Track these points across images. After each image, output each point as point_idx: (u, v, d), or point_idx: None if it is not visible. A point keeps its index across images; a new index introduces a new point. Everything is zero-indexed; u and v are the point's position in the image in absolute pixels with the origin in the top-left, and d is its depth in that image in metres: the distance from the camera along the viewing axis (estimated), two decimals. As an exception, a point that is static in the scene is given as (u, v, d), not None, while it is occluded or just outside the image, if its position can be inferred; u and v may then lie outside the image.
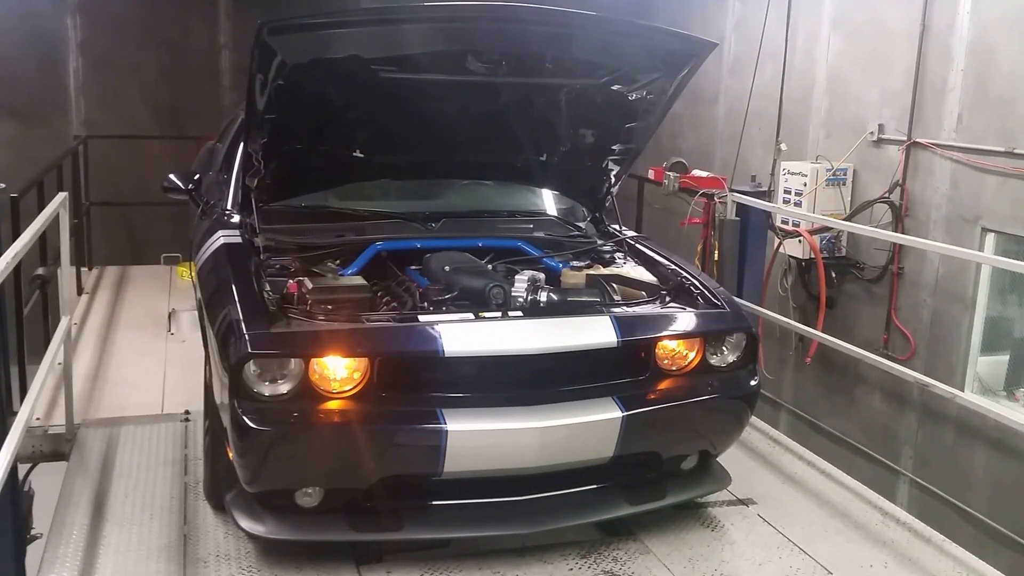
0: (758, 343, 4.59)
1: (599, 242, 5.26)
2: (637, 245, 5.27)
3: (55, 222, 5.42)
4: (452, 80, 4.58)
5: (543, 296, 4.25)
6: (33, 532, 5.36)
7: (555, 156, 5.33)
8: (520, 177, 5.57)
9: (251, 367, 3.75)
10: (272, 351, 3.81)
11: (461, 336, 3.91)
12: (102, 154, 10.31)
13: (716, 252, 7.26)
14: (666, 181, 8.07)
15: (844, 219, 7.56)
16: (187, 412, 5.61)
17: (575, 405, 4.02)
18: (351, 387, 3.86)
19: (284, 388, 3.80)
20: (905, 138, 7.23)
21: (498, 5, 4.26)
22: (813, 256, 7.69)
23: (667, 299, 4.56)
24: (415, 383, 3.97)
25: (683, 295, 4.61)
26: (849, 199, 7.81)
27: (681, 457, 4.49)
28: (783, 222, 7.88)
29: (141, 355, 6.73)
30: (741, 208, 7.18)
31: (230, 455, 3.89)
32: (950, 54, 6.86)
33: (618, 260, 5.10)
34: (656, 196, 8.83)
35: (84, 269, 8.90)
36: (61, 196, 5.53)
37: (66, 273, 5.72)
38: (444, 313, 4.09)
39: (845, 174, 7.80)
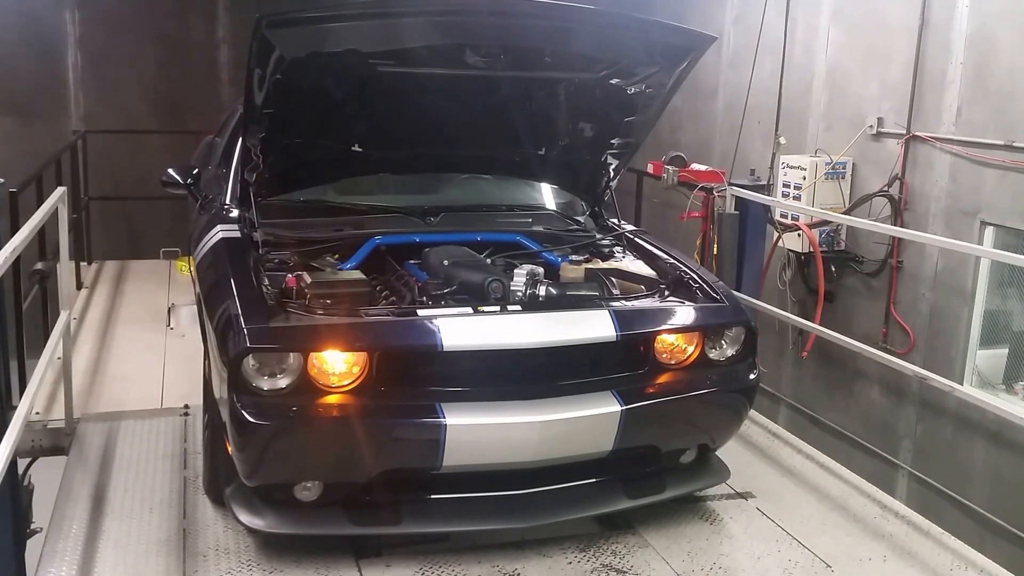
0: (757, 337, 4.59)
1: (598, 236, 5.25)
2: (636, 239, 5.27)
3: (54, 217, 5.43)
4: (450, 74, 4.58)
5: (542, 290, 4.25)
6: (33, 526, 5.38)
7: (554, 150, 5.33)
8: (519, 171, 5.57)
9: (250, 361, 3.75)
10: (271, 345, 3.81)
11: (460, 330, 3.92)
12: (101, 149, 10.31)
13: (715, 246, 7.26)
14: (665, 175, 8.08)
15: (843, 213, 7.55)
16: (186, 406, 5.61)
17: (574, 399, 4.02)
18: (350, 381, 3.87)
19: (283, 382, 3.80)
20: (904, 131, 7.22)
21: None
22: (812, 250, 7.69)
23: (666, 293, 4.57)
24: (414, 377, 3.98)
25: (682, 289, 4.61)
26: (848, 193, 7.81)
27: (680, 451, 4.49)
28: (782, 216, 7.87)
29: (140, 349, 6.73)
30: (740, 202, 7.18)
31: (229, 449, 3.89)
32: (949, 47, 6.85)
33: (617, 254, 5.10)
34: (655, 190, 8.84)
35: (83, 264, 8.91)
36: (60, 191, 5.53)
37: (65, 268, 5.72)
38: (443, 307, 4.09)
39: (844, 168, 7.80)
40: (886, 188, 7.38)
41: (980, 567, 4.38)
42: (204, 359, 4.59)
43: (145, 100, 11.64)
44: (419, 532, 4.12)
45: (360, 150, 4.96)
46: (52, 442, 5.40)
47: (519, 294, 4.22)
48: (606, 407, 4.03)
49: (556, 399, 3.99)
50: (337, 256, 4.66)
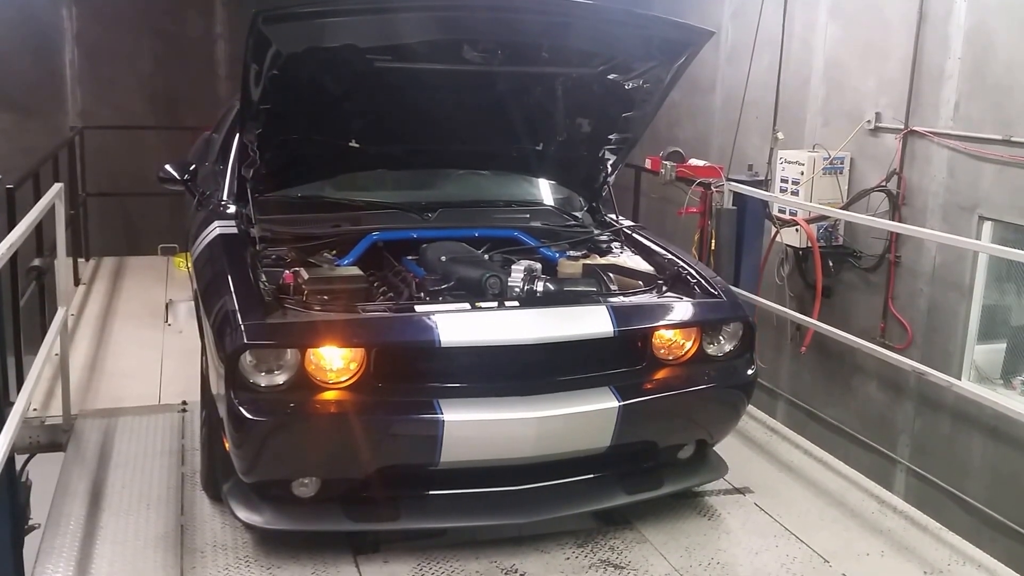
0: (755, 332, 4.59)
1: (596, 232, 5.25)
2: (634, 235, 5.27)
3: (51, 213, 5.42)
4: (448, 70, 4.58)
5: (539, 286, 4.25)
6: (31, 523, 5.37)
7: (552, 146, 5.32)
8: (517, 167, 5.56)
9: (247, 358, 3.75)
10: (268, 342, 3.81)
11: (457, 326, 3.91)
12: (98, 145, 10.29)
13: (713, 241, 7.26)
14: (663, 170, 8.07)
15: (841, 208, 7.55)
16: (184, 402, 5.61)
17: (572, 395, 4.03)
18: (347, 378, 3.87)
19: (280, 379, 3.80)
20: (902, 126, 7.22)
21: None
22: (810, 245, 7.69)
23: (664, 288, 4.56)
24: (411, 373, 3.98)
25: (680, 284, 4.61)
26: (846, 188, 7.80)
27: (678, 446, 4.50)
28: (780, 211, 7.87)
29: (138, 346, 6.73)
30: (738, 197, 7.17)
31: (227, 445, 3.89)
32: (947, 42, 6.85)
33: (615, 250, 5.10)
34: (653, 185, 8.83)
35: (81, 260, 8.90)
36: (57, 187, 5.52)
37: (63, 264, 5.72)
38: (440, 303, 4.09)
39: (842, 163, 7.79)
40: (884, 183, 7.38)
41: (978, 562, 4.38)
42: (202, 355, 4.58)
43: (142, 96, 11.62)
44: (417, 528, 4.12)
45: (357, 146, 4.96)
46: (50, 438, 5.40)
47: (517, 290, 4.22)
48: (604, 403, 4.03)
49: (554, 395, 3.99)
50: (334, 252, 4.66)
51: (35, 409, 5.46)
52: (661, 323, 4.32)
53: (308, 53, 4.12)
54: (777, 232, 7.90)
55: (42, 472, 5.45)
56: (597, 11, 4.40)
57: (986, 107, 6.56)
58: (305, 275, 4.19)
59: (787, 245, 8.05)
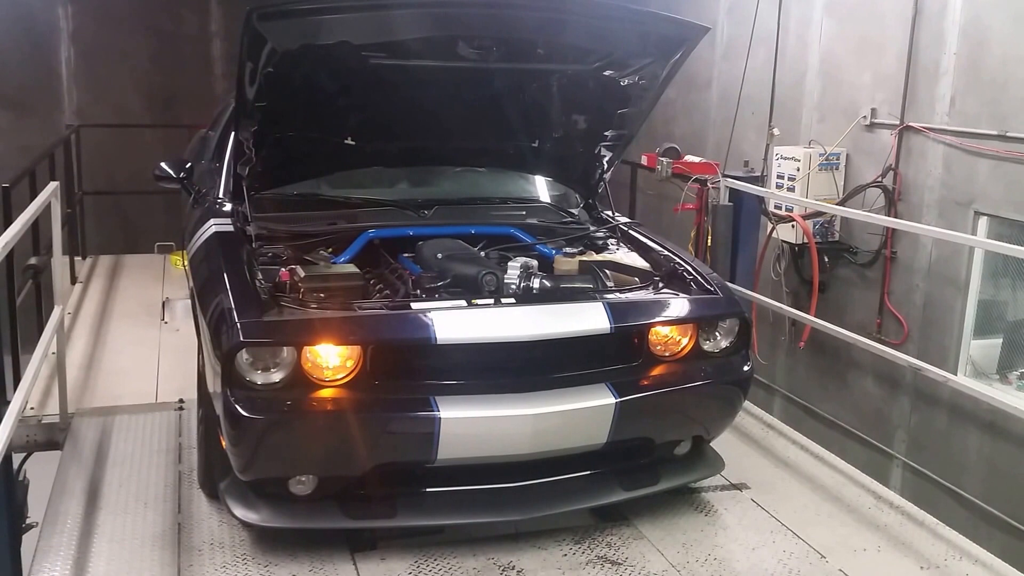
0: (751, 328, 4.59)
1: (592, 228, 5.25)
2: (630, 231, 5.27)
3: (47, 211, 5.41)
4: (443, 66, 4.57)
5: (536, 283, 4.25)
6: (28, 521, 5.38)
7: (547, 142, 5.32)
8: (512, 164, 5.56)
9: (243, 356, 3.75)
10: (264, 339, 3.81)
11: (454, 323, 3.91)
12: (95, 143, 10.28)
13: (709, 237, 7.26)
14: (659, 167, 8.07)
15: (837, 204, 7.56)
16: (181, 400, 5.61)
17: (568, 392, 4.03)
18: (344, 375, 3.87)
19: (277, 376, 3.80)
20: (898, 122, 7.22)
21: None
22: (806, 241, 7.69)
23: (660, 285, 4.56)
24: (408, 371, 3.98)
25: (676, 281, 4.61)
26: (842, 184, 7.81)
27: (674, 442, 4.50)
28: (776, 207, 7.88)
29: (135, 344, 6.72)
30: (734, 193, 7.18)
31: (223, 443, 3.89)
32: (943, 37, 6.85)
33: (611, 246, 5.10)
34: (649, 182, 8.83)
35: (78, 258, 8.89)
36: (52, 185, 5.51)
37: (59, 262, 5.71)
38: (437, 300, 4.09)
39: (838, 159, 7.80)
40: (880, 179, 7.38)
41: (974, 557, 4.39)
42: (198, 353, 4.59)
43: (138, 94, 11.62)
44: (414, 525, 4.12)
45: (353, 143, 4.95)
46: (47, 437, 5.39)
47: (513, 287, 4.22)
48: (600, 399, 4.03)
49: (550, 392, 4.00)
50: (331, 250, 4.66)
51: (32, 408, 5.46)
52: (657, 319, 4.32)
53: (303, 50, 4.11)
54: (773, 228, 7.91)
55: (39, 471, 5.46)
56: (592, 7, 4.40)
57: (982, 102, 6.57)
58: (301, 273, 4.18)
59: (783, 241, 8.06)
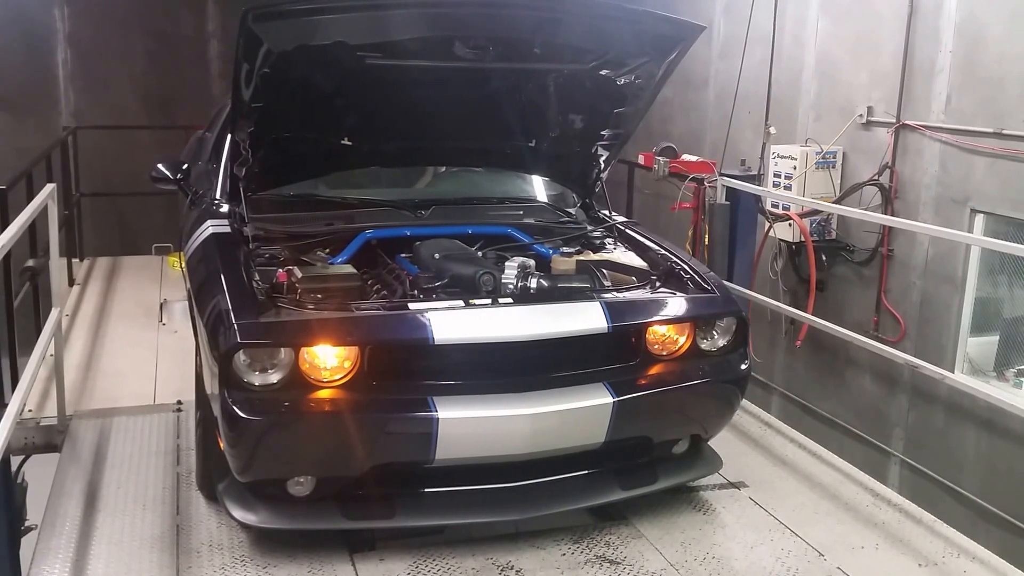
0: (748, 327, 4.59)
1: (589, 228, 5.26)
2: (627, 230, 5.28)
3: (44, 213, 5.41)
4: (440, 66, 4.57)
5: (533, 282, 4.25)
6: (27, 523, 5.37)
7: (544, 142, 5.32)
8: (509, 163, 5.56)
9: (241, 357, 3.75)
10: (262, 341, 3.81)
11: (451, 323, 3.92)
12: (92, 145, 10.28)
13: (706, 236, 7.27)
14: (656, 166, 8.07)
15: (834, 202, 7.56)
16: (179, 402, 5.61)
17: (566, 391, 4.03)
18: (341, 376, 3.87)
19: (274, 378, 3.80)
20: (894, 120, 7.23)
21: None
22: (803, 239, 7.70)
23: (657, 284, 4.57)
24: (406, 371, 3.98)
25: (673, 280, 4.62)
26: (839, 182, 7.81)
27: (672, 441, 4.51)
28: (773, 206, 7.88)
29: (133, 346, 6.73)
30: (731, 192, 7.19)
31: (221, 445, 3.89)
32: (938, 35, 6.86)
33: (608, 246, 5.10)
34: (646, 181, 8.83)
35: (75, 260, 8.89)
36: (49, 187, 5.52)
37: (56, 264, 5.71)
38: (434, 301, 4.09)
39: (835, 157, 7.80)
40: (876, 177, 7.39)
41: (972, 554, 4.39)
42: (196, 355, 4.58)
43: (135, 95, 11.61)
44: (413, 525, 4.12)
45: (350, 144, 4.95)
46: (45, 439, 5.39)
47: (510, 287, 4.22)
48: (598, 399, 4.03)
49: (548, 391, 4.00)
50: (328, 250, 4.66)
51: (30, 410, 5.46)
52: (655, 319, 4.32)
53: (299, 51, 4.11)
54: (770, 227, 7.91)
55: (38, 473, 5.45)
56: (589, 7, 4.40)
57: (978, 100, 6.58)
58: (298, 273, 4.18)
59: (780, 240, 8.07)
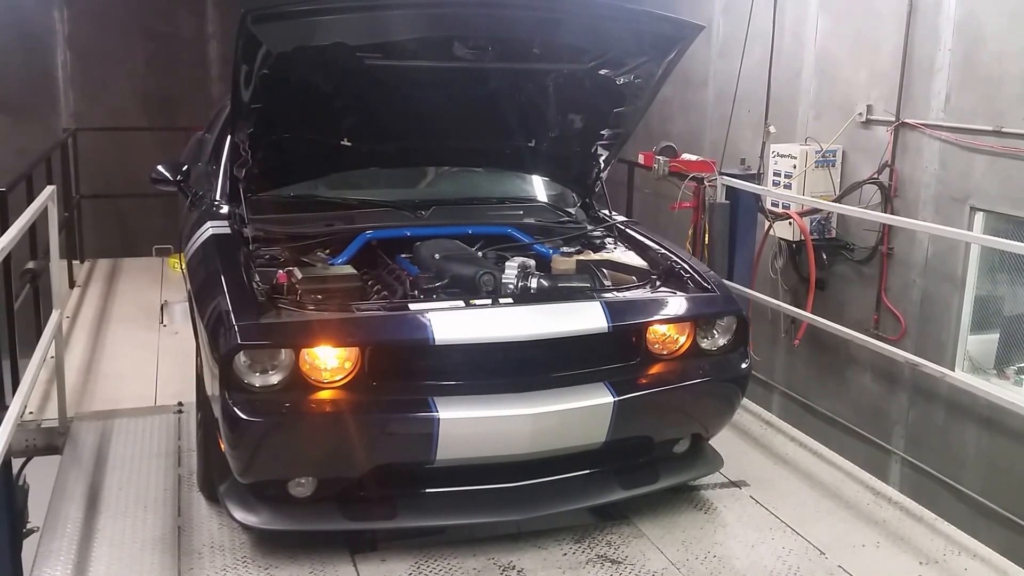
0: (748, 326, 4.60)
1: (589, 227, 5.26)
2: (627, 230, 5.28)
3: (44, 215, 5.41)
4: (439, 67, 4.57)
5: (533, 282, 4.26)
6: (29, 526, 5.38)
7: (544, 142, 5.32)
8: (509, 163, 5.56)
9: (241, 358, 3.75)
10: (262, 342, 3.81)
11: (451, 324, 3.92)
12: (92, 147, 10.29)
13: (706, 236, 7.27)
14: (656, 165, 8.07)
15: (834, 201, 7.56)
16: (180, 404, 5.61)
17: (567, 391, 4.03)
18: (342, 377, 3.87)
19: (275, 379, 3.80)
20: (894, 119, 7.23)
21: None
22: (803, 238, 7.70)
23: (657, 284, 4.57)
24: (406, 372, 3.98)
25: (673, 279, 4.62)
26: (838, 180, 7.81)
27: (673, 441, 4.51)
28: (773, 204, 7.88)
29: (134, 347, 6.73)
30: (731, 191, 7.19)
31: (222, 446, 3.89)
32: (937, 34, 6.86)
33: (608, 245, 5.10)
34: (646, 181, 8.83)
35: (76, 262, 8.89)
36: (49, 189, 5.52)
37: (57, 266, 5.71)
38: (434, 301, 4.09)
39: (834, 156, 7.80)
40: (876, 175, 7.39)
41: (973, 551, 4.40)
42: (197, 356, 4.59)
43: (135, 97, 11.62)
44: (414, 526, 4.12)
45: (349, 144, 4.96)
46: (46, 441, 5.39)
47: (511, 287, 4.22)
48: (599, 398, 4.04)
49: (549, 391, 4.00)
50: (328, 251, 4.66)
51: (31, 412, 5.45)
52: (655, 318, 4.32)
53: (298, 52, 4.11)
54: (770, 226, 7.91)
55: (39, 475, 5.46)
56: (587, 6, 4.41)
57: (977, 98, 6.58)
58: (299, 274, 4.18)
59: (780, 238, 8.07)
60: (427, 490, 4.09)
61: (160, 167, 5.68)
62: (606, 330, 4.11)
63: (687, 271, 4.65)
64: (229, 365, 3.72)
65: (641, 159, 8.39)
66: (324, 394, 3.84)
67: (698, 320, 4.41)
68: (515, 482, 4.11)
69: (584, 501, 4.27)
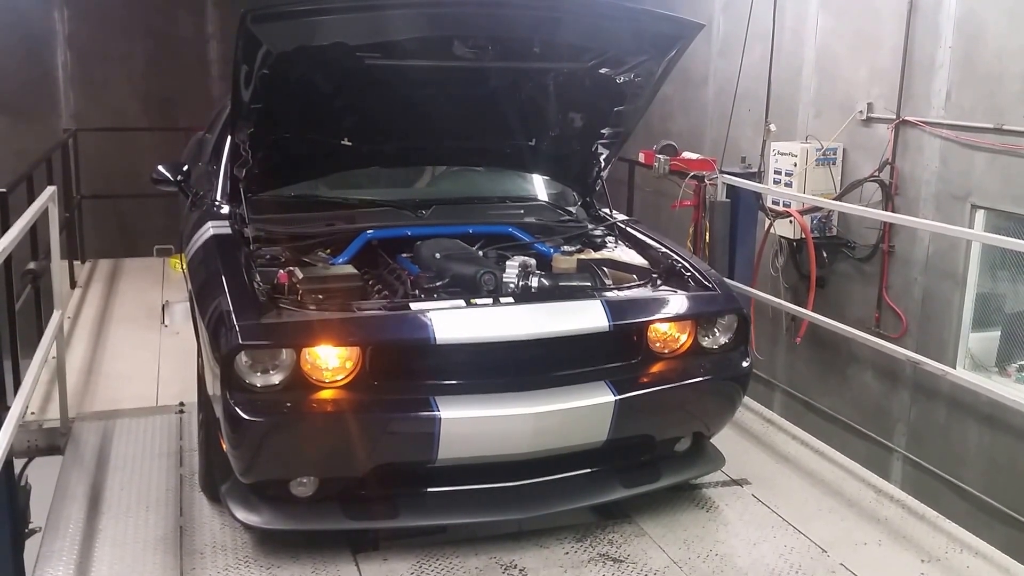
0: (749, 324, 4.60)
1: (590, 226, 5.26)
2: (628, 229, 5.28)
3: (45, 216, 5.41)
4: (439, 66, 4.58)
5: (534, 281, 4.25)
6: (31, 526, 5.38)
7: (544, 141, 5.33)
8: (510, 162, 5.56)
9: (242, 358, 3.75)
10: (263, 342, 3.81)
11: (452, 323, 3.92)
12: (92, 147, 10.29)
13: (707, 234, 7.27)
14: (656, 164, 8.07)
15: (834, 199, 7.56)
16: (182, 404, 5.61)
17: (568, 390, 4.03)
18: (343, 376, 3.87)
19: (276, 379, 3.80)
20: (894, 116, 7.23)
21: None
22: (804, 236, 7.70)
23: (658, 282, 4.57)
24: (407, 371, 3.98)
25: (674, 278, 4.62)
26: (839, 178, 7.81)
27: (675, 439, 4.51)
28: (773, 203, 7.88)
29: (135, 348, 6.73)
30: (731, 190, 7.19)
31: (224, 446, 3.89)
32: (938, 31, 6.86)
33: (609, 244, 5.10)
34: (647, 179, 8.84)
35: (77, 262, 8.89)
36: (50, 190, 5.52)
37: (58, 267, 5.71)
38: (435, 300, 4.09)
39: (835, 153, 7.80)
40: (877, 173, 7.39)
41: (975, 549, 4.40)
42: (198, 356, 4.59)
43: (135, 97, 11.62)
44: (416, 525, 4.12)
45: (349, 144, 4.96)
46: (48, 442, 5.39)
47: (511, 286, 4.21)
48: (600, 397, 4.04)
49: (550, 390, 4.00)
50: (328, 251, 4.67)
51: (32, 413, 5.45)
52: (656, 317, 4.32)
53: (298, 52, 4.11)
54: (771, 224, 7.91)
55: (41, 476, 5.46)
56: (587, 5, 4.41)
57: (977, 96, 6.58)
58: (299, 274, 4.18)
59: (781, 237, 8.07)
60: (429, 489, 4.09)
61: (161, 167, 5.69)
62: (607, 329, 4.11)
63: (688, 270, 4.65)
64: (230, 365, 3.72)
65: (642, 158, 8.40)
66: (325, 394, 3.85)
67: (699, 319, 4.41)
68: (516, 481, 4.11)
69: (585, 500, 4.27)
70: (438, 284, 4.26)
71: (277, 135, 4.72)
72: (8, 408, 4.48)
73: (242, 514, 3.95)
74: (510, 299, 4.13)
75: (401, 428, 3.91)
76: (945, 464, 6.96)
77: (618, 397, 4.04)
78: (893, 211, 7.19)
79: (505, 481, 4.10)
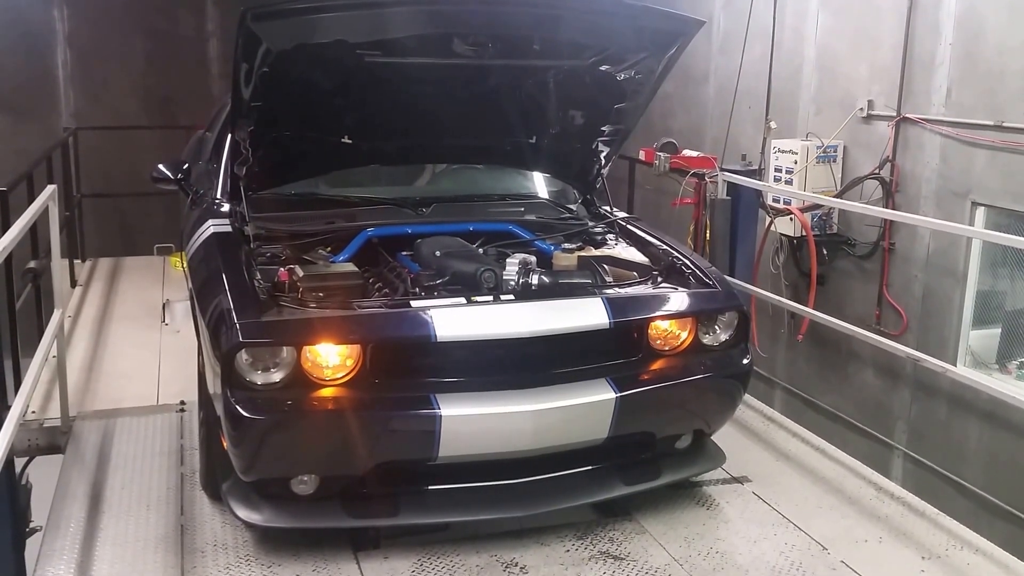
0: (749, 322, 4.60)
1: (590, 224, 5.25)
2: (628, 226, 5.28)
3: (45, 215, 5.41)
4: (439, 64, 4.57)
5: (535, 279, 4.24)
6: (32, 525, 5.39)
7: (545, 138, 5.32)
8: (510, 160, 5.56)
9: (243, 356, 3.75)
10: (263, 340, 3.81)
11: (453, 321, 3.92)
12: (92, 145, 10.28)
13: (708, 232, 7.27)
14: (657, 162, 8.07)
15: (835, 196, 7.56)
16: (183, 402, 5.61)
17: (568, 387, 4.03)
18: (344, 374, 3.87)
19: (276, 377, 3.80)
20: (895, 114, 7.23)
21: None
22: (804, 234, 7.70)
23: (659, 280, 4.57)
24: (408, 369, 3.98)
25: (675, 275, 4.62)
26: (839, 176, 7.82)
27: (675, 437, 4.51)
28: (774, 200, 7.88)
29: (136, 346, 6.72)
30: (732, 187, 7.18)
31: (225, 445, 3.89)
32: (938, 28, 6.85)
33: (609, 241, 5.10)
34: (647, 177, 8.83)
35: (77, 261, 8.89)
36: (50, 189, 5.52)
37: (58, 266, 5.71)
38: (436, 298, 4.09)
39: (835, 151, 7.80)
40: (877, 171, 7.39)
41: (975, 546, 4.40)
42: (199, 355, 4.59)
43: (135, 96, 11.63)
44: (417, 523, 4.12)
45: (350, 142, 4.95)
46: (48, 440, 5.39)
47: (512, 283, 4.21)
48: (601, 395, 4.03)
49: (551, 388, 4.00)
50: (329, 249, 4.66)
51: (33, 412, 5.46)
52: (656, 314, 4.32)
53: (298, 50, 4.11)
54: (771, 221, 7.92)
55: (42, 474, 5.47)
56: (588, 2, 4.40)
57: (978, 93, 6.57)
58: (300, 272, 4.18)
59: (781, 234, 8.07)
60: (429, 487, 4.09)
61: (161, 166, 5.68)
62: (608, 326, 4.11)
63: (688, 267, 4.65)
64: (231, 363, 3.72)
65: (642, 155, 8.40)
66: (326, 391, 3.84)
67: (700, 316, 4.41)
68: (517, 479, 4.11)
69: (586, 497, 4.26)
70: (438, 282, 4.26)
71: (277, 133, 4.72)
72: (9, 407, 4.48)
73: (243, 512, 3.95)
74: (511, 297, 4.13)
75: (402, 426, 3.91)
76: (945, 461, 6.96)
77: (619, 394, 4.04)
78: (893, 208, 7.19)
79: (506, 479, 4.10)
